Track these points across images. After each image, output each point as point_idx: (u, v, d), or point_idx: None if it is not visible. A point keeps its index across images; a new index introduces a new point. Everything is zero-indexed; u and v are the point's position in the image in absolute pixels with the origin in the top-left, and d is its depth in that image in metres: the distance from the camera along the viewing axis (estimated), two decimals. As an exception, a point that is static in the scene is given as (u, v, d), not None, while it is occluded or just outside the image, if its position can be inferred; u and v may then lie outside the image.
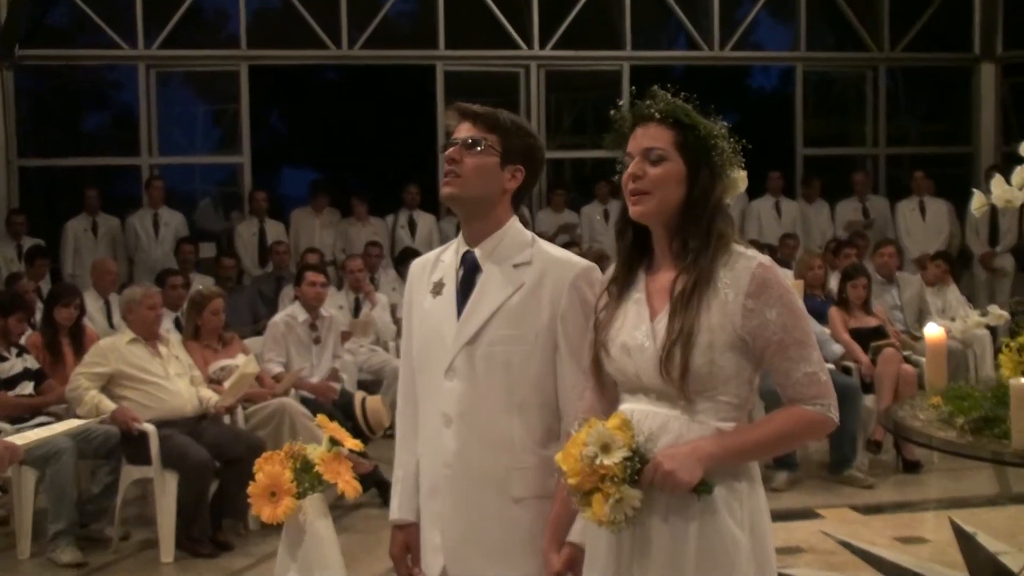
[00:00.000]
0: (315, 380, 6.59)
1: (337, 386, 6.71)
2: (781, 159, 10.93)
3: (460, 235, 2.44)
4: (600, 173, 10.26)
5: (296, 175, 13.16)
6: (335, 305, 8.07)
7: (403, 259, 9.23)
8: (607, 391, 2.19)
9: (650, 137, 2.11)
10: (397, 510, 2.45)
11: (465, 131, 2.36)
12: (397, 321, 8.31)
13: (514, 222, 2.40)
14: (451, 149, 2.35)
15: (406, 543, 2.45)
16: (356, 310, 8.19)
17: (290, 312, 6.74)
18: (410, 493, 2.43)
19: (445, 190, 2.35)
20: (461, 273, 2.38)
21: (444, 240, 9.98)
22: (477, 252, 2.37)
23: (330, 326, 6.80)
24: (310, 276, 6.75)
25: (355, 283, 8.21)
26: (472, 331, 2.31)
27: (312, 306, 6.70)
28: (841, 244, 8.90)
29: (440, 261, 2.45)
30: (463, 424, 2.30)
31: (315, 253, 8.81)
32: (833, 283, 7.80)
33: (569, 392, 2.27)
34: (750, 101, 13.46)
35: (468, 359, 2.30)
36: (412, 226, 10.01)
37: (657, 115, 2.11)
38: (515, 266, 2.34)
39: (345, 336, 7.75)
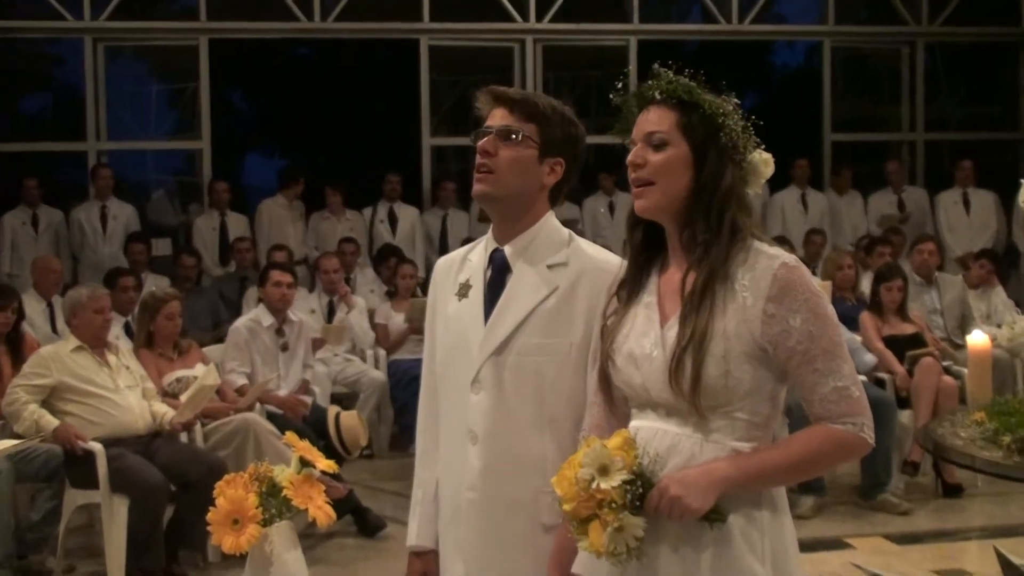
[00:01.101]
0: (283, 393, 6.60)
1: (308, 400, 6.72)
2: (807, 146, 10.95)
3: (490, 231, 2.45)
4: (604, 161, 10.28)
5: (262, 163, 13.19)
6: (306, 309, 8.07)
7: (382, 257, 9.24)
8: (616, 407, 2.21)
9: (651, 121, 2.13)
10: (416, 536, 2.49)
11: (500, 119, 2.37)
12: (375, 327, 8.32)
13: (550, 218, 2.43)
14: (484, 139, 2.36)
15: (424, 572, 2.47)
16: (330, 315, 8.20)
17: (254, 316, 6.75)
18: (430, 517, 2.46)
19: (478, 187, 2.36)
20: (489, 274, 2.41)
21: (428, 237, 10.10)
22: (507, 250, 2.40)
23: (299, 332, 6.81)
24: (275, 275, 6.76)
25: (329, 284, 8.22)
26: (500, 339, 2.33)
27: (278, 309, 6.71)
28: (874, 241, 8.92)
29: (467, 260, 2.47)
30: (489, 442, 2.32)
31: (283, 250, 8.81)
32: (865, 285, 7.82)
33: None
34: (772, 81, 13.52)
35: (496, 370, 2.33)
36: (393, 220, 10.01)
37: (658, 96, 2.12)
38: (549, 267, 2.37)
39: (317, 344, 7.74)
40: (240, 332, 6.63)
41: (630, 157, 2.13)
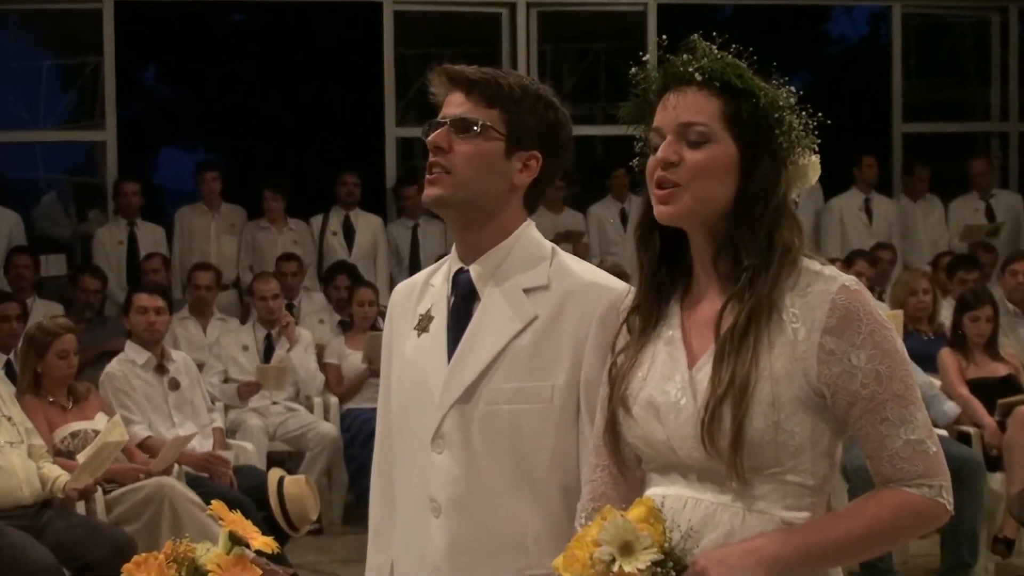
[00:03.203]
0: (198, 448, 6.64)
1: (229, 456, 6.73)
2: (872, 139, 10.98)
3: (453, 247, 2.47)
4: (615, 157, 10.29)
5: (182, 159, 13.16)
6: (237, 344, 8.05)
7: (333, 277, 9.23)
8: (627, 469, 2.21)
9: (689, 108, 2.13)
10: None
11: (455, 106, 2.39)
12: (325, 368, 8.30)
13: (527, 230, 2.44)
14: (435, 132, 2.38)
15: None
16: (267, 352, 8.19)
17: (124, 356, 6.83)
18: None
19: (428, 191, 2.38)
20: (452, 301, 2.42)
21: (393, 253, 10.08)
22: (473, 271, 2.41)
23: (187, 369, 6.89)
24: (140, 299, 6.82)
25: (266, 313, 8.21)
26: (465, 384, 2.35)
27: (149, 341, 6.78)
28: (957, 259, 8.95)
29: (429, 286, 2.49)
30: (456, 514, 2.34)
31: (208, 270, 8.81)
32: (945, 314, 7.83)
33: None
34: (827, 57, 13.58)
35: (461, 423, 2.34)
36: (348, 232, 10.00)
37: (699, 76, 2.12)
38: (526, 291, 2.38)
39: (251, 388, 7.73)
40: (114, 378, 6.68)
41: (661, 152, 2.12)
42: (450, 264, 2.46)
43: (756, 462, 2.05)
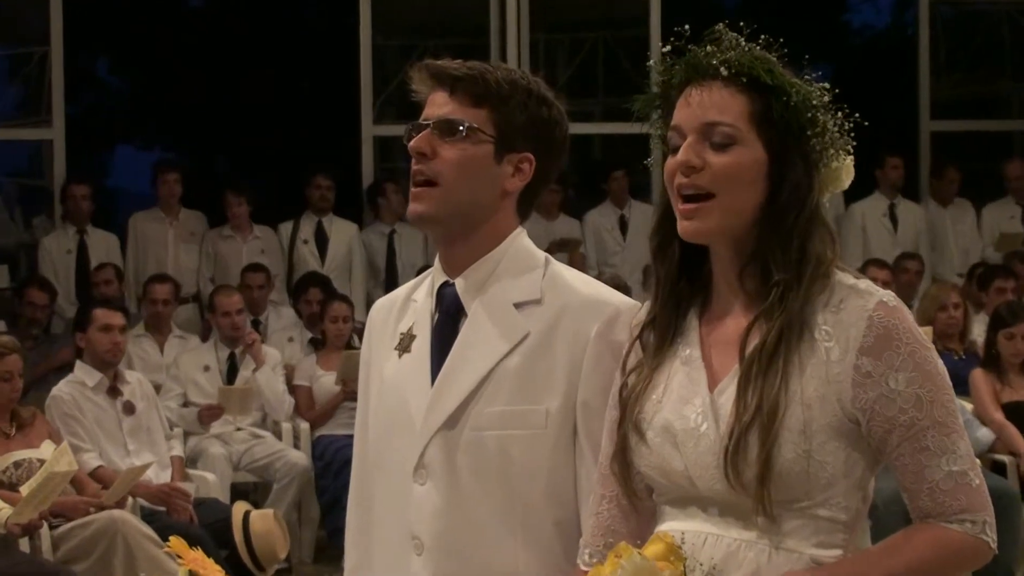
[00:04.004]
0: (154, 479, 6.62)
1: (189, 488, 6.70)
2: (897, 139, 11.00)
3: (437, 258, 2.47)
4: (615, 158, 10.29)
5: (137, 158, 13.15)
6: (197, 365, 8.02)
7: (303, 290, 9.21)
8: (639, 502, 2.21)
9: (713, 105, 2.13)
10: None
11: (439, 106, 2.39)
12: (295, 390, 8.29)
13: (518, 238, 2.45)
14: (418, 137, 2.38)
15: None
16: (231, 373, 8.17)
17: (73, 378, 6.81)
18: None
19: (414, 207, 2.39)
20: (436, 318, 2.42)
21: (369, 263, 10.06)
22: (458, 285, 2.41)
23: (143, 393, 6.86)
24: (101, 316, 6.81)
25: (229, 330, 8.19)
26: (450, 408, 2.35)
27: (107, 362, 6.78)
28: (991, 270, 8.96)
29: (411, 302, 2.49)
30: (441, 552, 2.33)
31: (165, 282, 8.79)
32: (978, 331, 7.83)
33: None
34: (847, 49, 13.62)
35: (446, 452, 2.34)
36: (321, 240, 9.99)
37: (724, 71, 2.12)
38: (517, 306, 2.38)
39: (213, 413, 7.70)
40: (62, 401, 6.67)
41: (682, 155, 2.12)
42: (434, 277, 2.46)
43: (785, 495, 2.05)
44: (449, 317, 2.41)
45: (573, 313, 2.36)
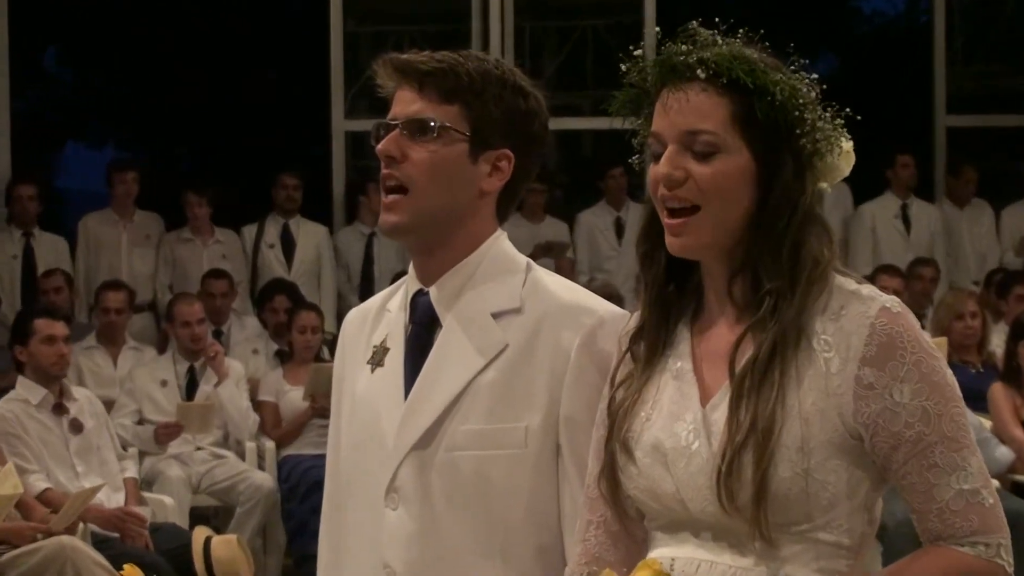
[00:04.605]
0: (106, 502, 6.61)
1: (145, 512, 6.68)
2: (910, 135, 11.02)
3: (411, 265, 2.47)
4: (607, 155, 10.30)
5: (89, 157, 13.13)
6: (153, 379, 8.00)
7: (269, 298, 9.20)
8: (629, 524, 2.21)
9: (692, 111, 2.12)
10: None
11: (406, 104, 2.39)
12: (260, 407, 8.28)
13: (497, 242, 2.44)
14: (386, 139, 2.38)
15: None
16: (190, 388, 8.16)
17: (15, 395, 6.79)
18: None
19: (386, 219, 2.38)
20: (410, 330, 2.42)
21: (342, 269, 10.04)
22: (433, 293, 2.41)
23: (92, 410, 6.84)
24: (43, 327, 6.79)
25: (189, 342, 8.19)
26: (423, 426, 2.35)
27: (52, 376, 6.77)
28: (1011, 277, 8.98)
29: (385, 312, 2.49)
30: None
31: (119, 290, 8.77)
32: (997, 342, 7.85)
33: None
34: (856, 37, 13.64)
35: (419, 473, 2.34)
36: (288, 244, 9.99)
37: (701, 73, 2.12)
38: (495, 315, 2.38)
39: (171, 431, 7.69)
40: (4, 420, 6.66)
41: (663, 167, 2.12)
42: (408, 285, 2.47)
43: (783, 518, 2.05)
44: (423, 328, 2.41)
45: (554, 322, 2.36)
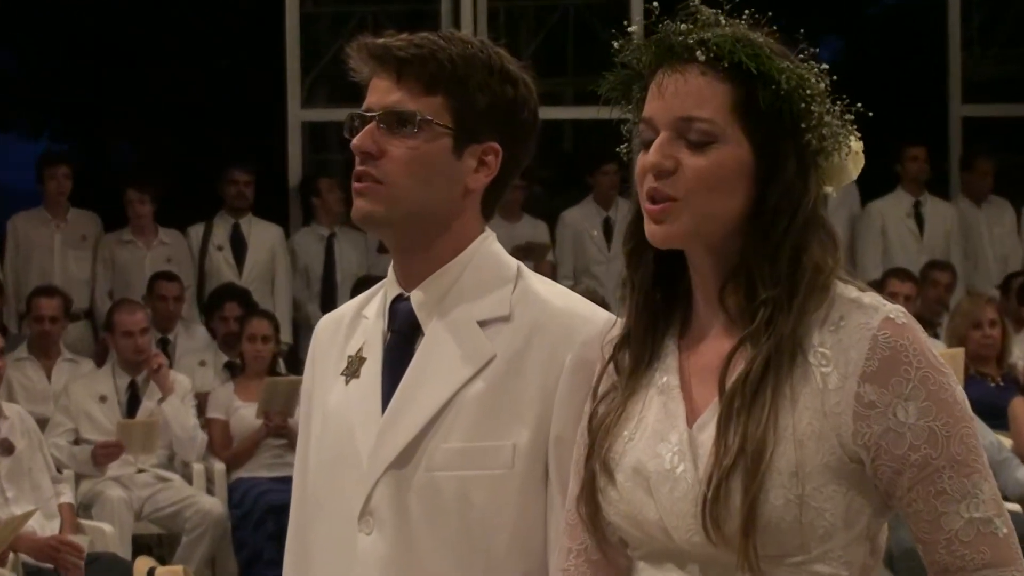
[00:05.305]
0: (39, 530, 6.59)
1: (82, 541, 6.67)
2: (924, 126, 11.05)
3: (391, 268, 2.47)
4: (588, 148, 10.31)
5: (19, 149, 13.10)
6: (91, 394, 7.99)
7: (218, 305, 9.19)
8: (610, 552, 2.21)
9: (689, 96, 2.12)
10: None
11: (383, 94, 2.38)
12: (208, 424, 8.27)
13: (485, 243, 2.45)
14: (362, 133, 2.38)
15: None
16: (132, 404, 8.16)
17: None
18: None
19: (359, 206, 2.38)
20: (389, 338, 2.42)
21: (300, 273, 10.03)
22: (415, 299, 2.41)
23: (23, 426, 6.84)
24: None
25: (130, 353, 8.18)
26: (401, 444, 2.35)
27: None
28: (1032, 281, 9.02)
29: (361, 319, 2.49)
30: None
31: (53, 296, 8.76)
32: (1018, 353, 7.88)
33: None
34: (864, 19, 13.68)
35: (396, 494, 2.34)
36: (238, 245, 9.99)
37: (701, 55, 2.11)
38: (482, 324, 2.39)
39: (110, 452, 7.67)
40: None
41: (652, 155, 2.11)
42: (387, 290, 2.46)
43: (775, 549, 2.05)
44: (403, 337, 2.41)
45: (546, 332, 2.36)
